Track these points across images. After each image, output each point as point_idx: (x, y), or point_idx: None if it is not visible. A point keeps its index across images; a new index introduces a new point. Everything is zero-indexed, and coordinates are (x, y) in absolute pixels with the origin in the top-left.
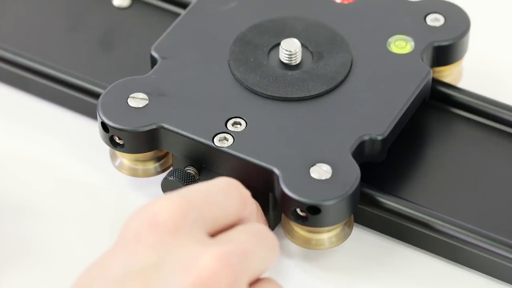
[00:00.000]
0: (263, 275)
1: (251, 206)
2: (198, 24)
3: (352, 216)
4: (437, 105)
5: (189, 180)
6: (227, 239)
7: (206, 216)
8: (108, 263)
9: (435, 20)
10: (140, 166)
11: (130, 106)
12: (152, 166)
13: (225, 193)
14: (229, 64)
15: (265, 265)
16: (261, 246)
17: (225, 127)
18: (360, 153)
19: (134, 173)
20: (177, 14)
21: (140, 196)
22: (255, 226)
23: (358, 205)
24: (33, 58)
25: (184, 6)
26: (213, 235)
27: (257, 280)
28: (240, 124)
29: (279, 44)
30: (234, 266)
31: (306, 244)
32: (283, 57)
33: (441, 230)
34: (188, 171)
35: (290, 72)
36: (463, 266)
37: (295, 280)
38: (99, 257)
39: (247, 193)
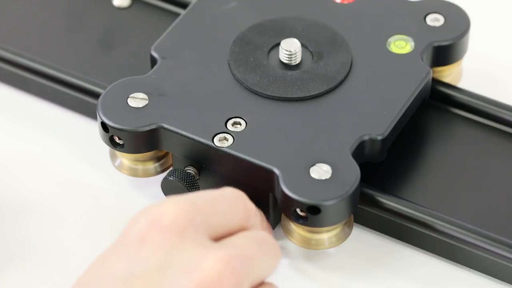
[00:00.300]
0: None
1: (255, 219)
2: (198, 24)
3: (352, 216)
4: (437, 105)
5: (189, 180)
6: (230, 243)
7: (210, 221)
8: (111, 263)
9: (435, 20)
10: (140, 166)
11: (130, 106)
12: (152, 166)
13: (230, 203)
14: (229, 64)
15: (267, 271)
16: (263, 252)
17: (225, 127)
18: (360, 153)
19: (134, 173)
20: (177, 14)
21: (140, 196)
22: (258, 233)
23: (358, 205)
24: (33, 58)
25: (184, 6)
26: (216, 240)
27: (258, 285)
28: (240, 124)
29: (279, 44)
30: (237, 269)
31: (306, 244)
32: (283, 57)
33: (441, 230)
34: (188, 171)
35: (290, 72)
36: (463, 266)
37: (294, 280)
38: (100, 256)
39: (252, 206)
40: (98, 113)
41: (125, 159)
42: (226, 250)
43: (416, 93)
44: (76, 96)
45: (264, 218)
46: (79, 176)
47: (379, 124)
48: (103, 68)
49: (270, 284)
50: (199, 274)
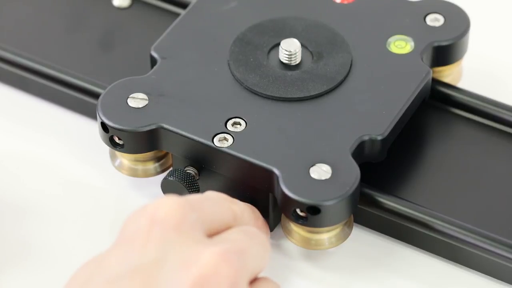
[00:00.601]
0: (261, 275)
1: (242, 219)
2: (198, 24)
3: (352, 216)
4: (437, 105)
5: (189, 180)
6: (224, 239)
7: (204, 218)
8: (108, 259)
9: (435, 20)
10: (140, 166)
11: (130, 106)
12: (152, 166)
13: (217, 204)
14: (229, 64)
15: (261, 264)
16: (256, 245)
17: (225, 127)
18: (360, 153)
19: (134, 173)
20: (177, 14)
21: (140, 196)
22: (247, 228)
23: (358, 205)
24: (33, 58)
25: (184, 6)
26: (209, 237)
27: (255, 280)
28: (240, 124)
29: (279, 44)
30: (234, 263)
31: (306, 244)
32: (283, 57)
33: (441, 230)
34: (188, 171)
35: (290, 72)
36: (463, 266)
37: (294, 280)
38: (98, 254)
39: (236, 207)
40: (98, 113)
41: (125, 159)
42: (222, 245)
43: (416, 93)
44: (76, 96)
45: (258, 215)
46: (79, 176)
47: (379, 124)
48: (103, 68)
49: (265, 278)
50: (197, 268)
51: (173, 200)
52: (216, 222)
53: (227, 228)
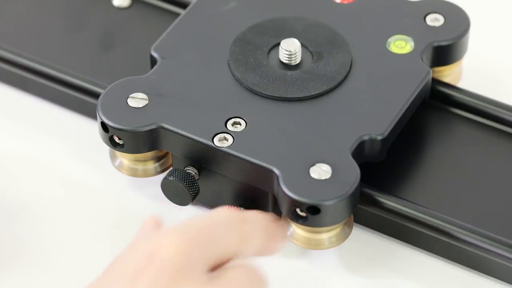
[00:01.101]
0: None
1: (253, 241)
2: (198, 24)
3: (352, 216)
4: (437, 105)
5: (189, 180)
6: (224, 279)
7: (207, 253)
8: None
9: (435, 20)
10: (140, 166)
11: (130, 106)
12: (152, 166)
13: (225, 228)
14: (229, 64)
15: None
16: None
17: (225, 127)
18: (360, 153)
19: (134, 173)
20: (177, 14)
21: (140, 196)
22: (248, 267)
23: (358, 205)
24: (33, 58)
25: (184, 6)
26: (213, 269)
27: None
28: (240, 124)
29: (279, 44)
30: None
31: (306, 244)
32: (283, 57)
33: (441, 230)
34: (188, 171)
35: (290, 72)
36: (463, 266)
37: (295, 280)
38: (93, 282)
39: (249, 228)
40: (98, 113)
41: (125, 159)
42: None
43: (416, 93)
44: (76, 96)
45: (272, 232)
46: (79, 176)
47: (379, 124)
48: (103, 68)
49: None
50: None
51: (176, 237)
52: (220, 253)
53: (233, 255)
